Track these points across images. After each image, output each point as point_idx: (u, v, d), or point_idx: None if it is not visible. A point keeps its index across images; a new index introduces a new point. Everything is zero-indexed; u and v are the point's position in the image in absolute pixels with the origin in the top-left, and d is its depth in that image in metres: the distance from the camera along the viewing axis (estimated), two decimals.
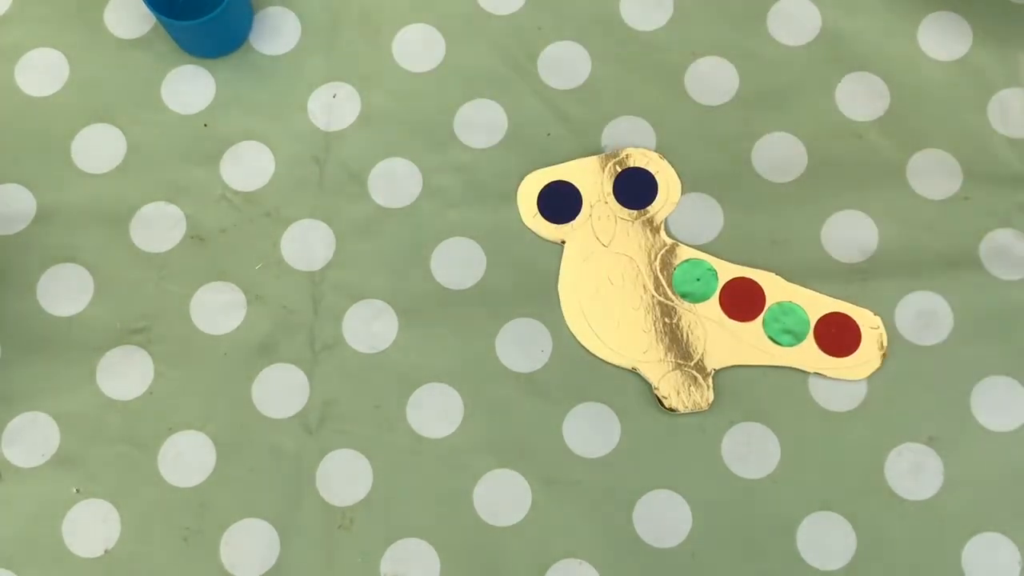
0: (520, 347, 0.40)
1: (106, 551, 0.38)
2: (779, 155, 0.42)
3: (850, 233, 0.41)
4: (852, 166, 0.42)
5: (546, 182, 0.41)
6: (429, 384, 0.40)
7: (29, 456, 0.39)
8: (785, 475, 0.38)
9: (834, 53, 0.43)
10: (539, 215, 0.41)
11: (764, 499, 0.38)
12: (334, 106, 0.43)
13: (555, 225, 0.41)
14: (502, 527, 0.38)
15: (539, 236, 0.41)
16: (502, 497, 0.39)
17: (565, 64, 0.43)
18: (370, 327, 0.40)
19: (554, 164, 0.42)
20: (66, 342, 0.40)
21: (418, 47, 0.43)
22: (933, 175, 0.41)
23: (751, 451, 0.39)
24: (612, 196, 0.41)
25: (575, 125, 0.42)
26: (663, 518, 0.38)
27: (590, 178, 0.41)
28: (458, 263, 0.41)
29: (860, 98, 0.42)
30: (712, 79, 0.43)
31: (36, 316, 0.40)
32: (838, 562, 0.38)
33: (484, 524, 0.38)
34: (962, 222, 0.41)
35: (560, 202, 0.41)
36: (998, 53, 0.43)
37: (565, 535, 0.38)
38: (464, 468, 0.39)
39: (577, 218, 0.41)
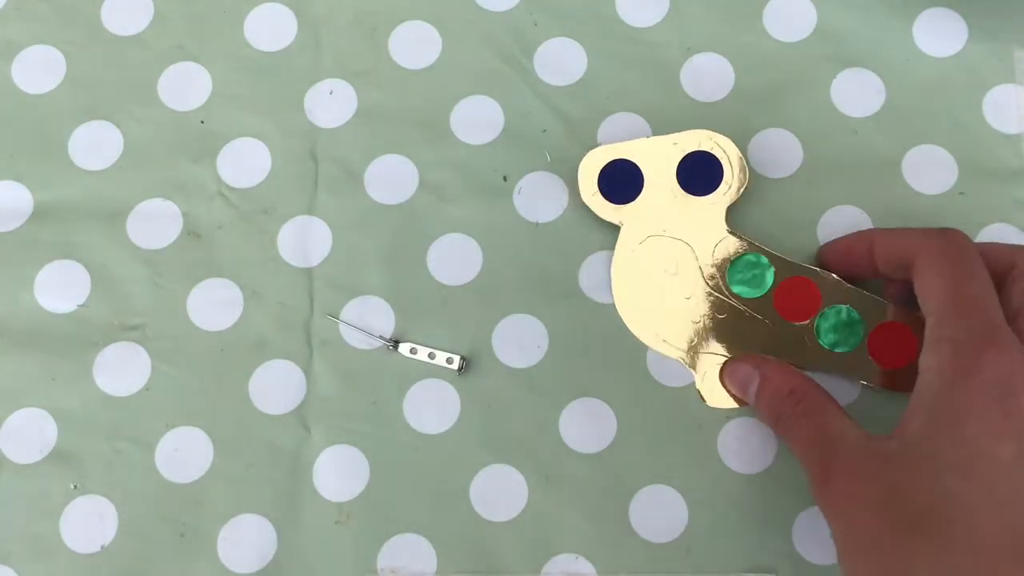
0: (516, 343, 0.40)
1: (103, 547, 0.38)
2: (775, 151, 0.42)
3: (846, 229, 0.41)
4: (848, 162, 0.42)
5: (609, 159, 0.41)
6: (425, 380, 0.40)
7: (26, 452, 0.39)
8: (781, 471, 0.39)
9: (830, 49, 0.43)
10: (598, 193, 0.40)
11: (761, 494, 0.38)
12: (330, 103, 0.43)
13: (614, 205, 0.40)
14: (499, 522, 0.38)
15: (596, 215, 0.40)
16: (499, 492, 0.39)
17: (561, 60, 0.43)
18: (367, 323, 0.40)
19: (550, 160, 0.42)
20: (63, 338, 0.40)
21: (414, 44, 0.44)
22: (929, 171, 0.41)
23: (747, 446, 0.39)
24: (676, 179, 0.40)
25: (571, 121, 0.42)
26: (659, 513, 0.38)
27: (655, 159, 0.40)
28: (454, 259, 0.41)
29: (856, 94, 0.42)
30: (708, 75, 0.43)
31: (33, 312, 0.41)
32: (834, 557, 0.38)
33: (481, 519, 0.38)
34: (958, 217, 0.41)
35: (621, 181, 0.40)
36: (993, 49, 0.43)
37: (562, 530, 0.38)
38: (461, 463, 0.39)
39: (637, 199, 0.40)
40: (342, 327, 0.40)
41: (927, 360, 0.33)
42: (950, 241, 0.35)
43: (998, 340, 0.32)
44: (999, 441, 0.31)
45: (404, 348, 0.39)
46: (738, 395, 0.39)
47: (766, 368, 0.38)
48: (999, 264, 0.35)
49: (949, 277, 0.34)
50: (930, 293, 0.34)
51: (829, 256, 0.40)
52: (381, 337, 0.39)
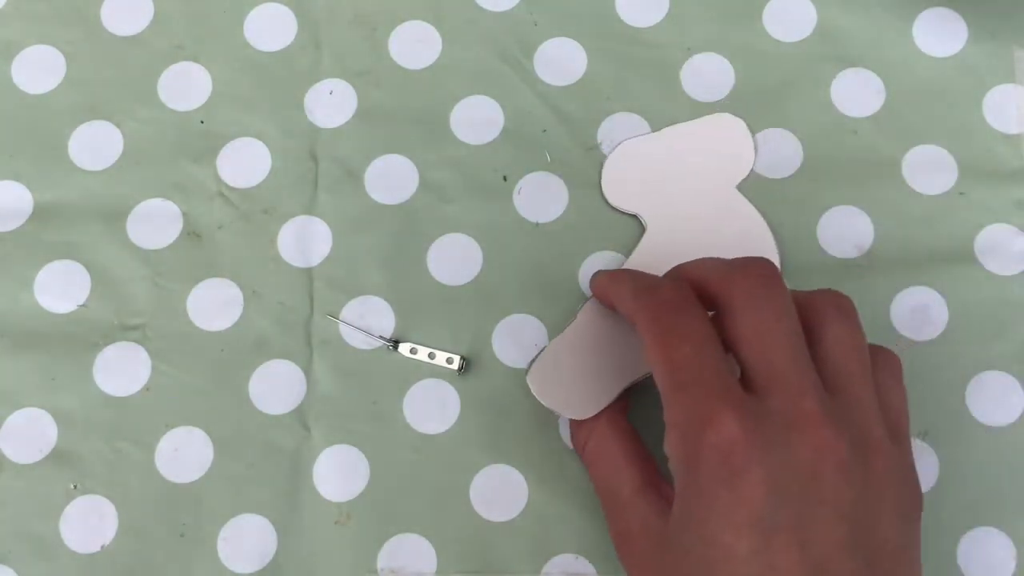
0: (515, 342, 0.40)
1: (103, 547, 0.38)
2: (775, 151, 0.42)
3: (846, 229, 0.41)
4: (848, 162, 0.42)
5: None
6: (425, 380, 0.40)
7: (26, 452, 0.39)
8: None
9: (830, 49, 0.43)
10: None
11: None
12: (330, 103, 0.43)
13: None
14: (499, 522, 0.38)
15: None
16: (498, 492, 0.39)
17: (561, 60, 0.43)
18: (367, 323, 0.40)
19: (550, 160, 0.42)
20: (63, 338, 0.40)
21: (414, 44, 0.44)
22: (929, 171, 0.41)
23: None
24: None
25: (571, 121, 0.42)
26: None
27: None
28: (454, 259, 0.41)
29: (856, 94, 0.42)
30: (708, 75, 0.43)
31: (33, 312, 0.41)
32: None
33: (481, 519, 0.38)
34: (958, 217, 0.41)
35: None
36: (993, 49, 0.43)
37: (562, 530, 0.38)
38: (461, 463, 0.39)
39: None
40: (342, 327, 0.40)
41: (666, 446, 0.30)
42: (659, 297, 0.32)
43: (715, 415, 0.29)
44: (737, 534, 0.28)
45: (404, 348, 0.39)
46: None
47: None
48: (805, 309, 0.32)
49: (657, 343, 0.31)
50: (654, 366, 0.31)
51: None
52: (381, 337, 0.39)
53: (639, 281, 0.33)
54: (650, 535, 0.32)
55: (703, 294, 0.32)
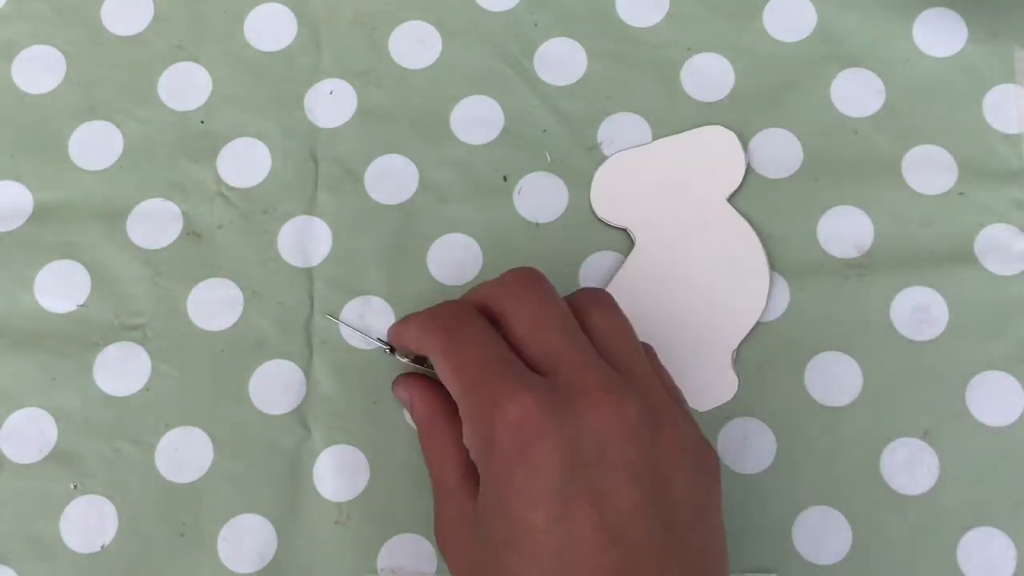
0: None
1: (103, 547, 0.38)
2: (775, 151, 0.42)
3: (846, 229, 0.41)
4: (848, 162, 0.42)
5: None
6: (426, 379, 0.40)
7: (26, 452, 0.39)
8: (781, 470, 0.39)
9: (830, 49, 0.43)
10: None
11: (760, 494, 0.38)
12: (330, 103, 0.43)
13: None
14: None
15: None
16: None
17: (561, 60, 0.43)
18: (367, 324, 0.40)
19: (550, 160, 0.42)
20: (63, 338, 0.40)
21: (414, 44, 0.44)
22: (929, 171, 0.41)
23: (747, 447, 0.39)
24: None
25: (571, 121, 0.42)
26: None
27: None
28: (454, 259, 0.41)
29: (856, 94, 0.42)
30: (708, 75, 0.43)
31: (33, 312, 0.41)
32: (834, 557, 0.38)
33: None
34: (958, 217, 0.41)
35: None
36: (993, 49, 0.43)
37: None
38: None
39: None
40: (341, 327, 0.40)
41: (465, 439, 0.31)
42: (440, 316, 0.33)
43: (503, 395, 0.30)
44: (535, 507, 0.29)
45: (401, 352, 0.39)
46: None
47: (414, 388, 0.37)
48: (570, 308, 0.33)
49: (444, 354, 0.32)
50: (446, 379, 0.32)
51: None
52: (379, 340, 0.39)
53: (422, 314, 0.35)
54: (465, 522, 0.32)
55: (486, 315, 0.33)
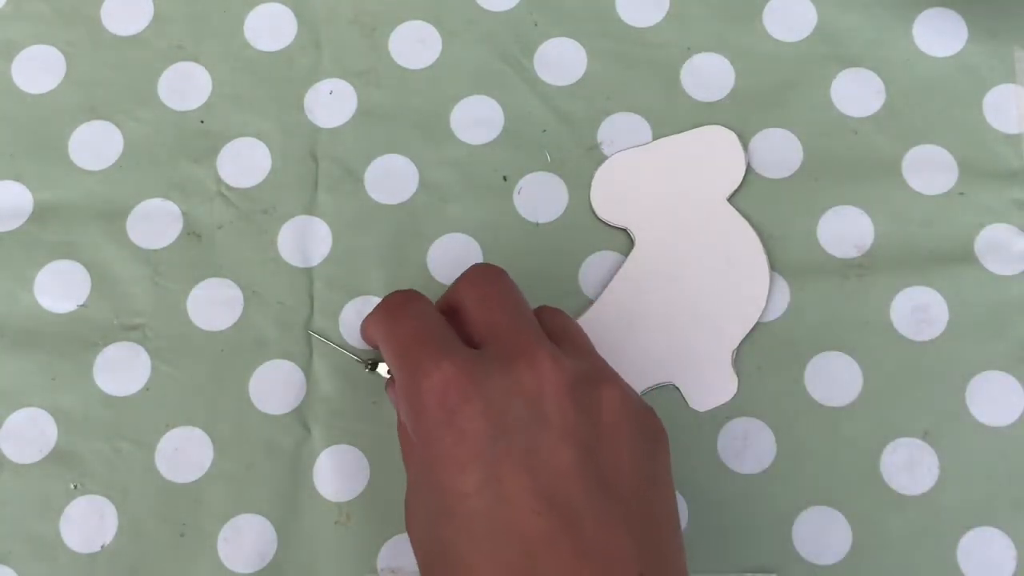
0: None
1: (103, 547, 0.38)
2: (775, 151, 0.42)
3: (846, 229, 0.41)
4: (848, 162, 0.42)
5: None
6: None
7: (26, 452, 0.39)
8: (781, 470, 0.39)
9: (830, 49, 0.43)
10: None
11: (760, 494, 0.38)
12: (330, 103, 0.43)
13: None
14: None
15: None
16: None
17: (561, 60, 0.43)
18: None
19: (550, 160, 0.42)
20: (63, 338, 0.40)
21: (414, 44, 0.44)
22: (929, 171, 0.41)
23: (747, 447, 0.39)
24: None
25: (571, 121, 0.42)
26: None
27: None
28: (454, 259, 0.41)
29: (856, 94, 0.42)
30: (708, 75, 0.43)
31: (33, 312, 0.41)
32: (834, 557, 0.38)
33: None
34: (958, 217, 0.41)
35: None
36: (993, 49, 0.43)
37: None
38: None
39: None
40: (341, 323, 0.40)
41: (400, 416, 0.31)
42: (389, 302, 0.33)
43: (430, 363, 0.29)
44: (462, 472, 0.28)
45: (382, 369, 0.38)
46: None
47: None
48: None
49: (386, 332, 0.32)
50: (384, 353, 0.32)
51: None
52: (358, 359, 0.39)
53: (378, 307, 0.34)
54: (409, 503, 0.31)
55: (448, 311, 0.33)
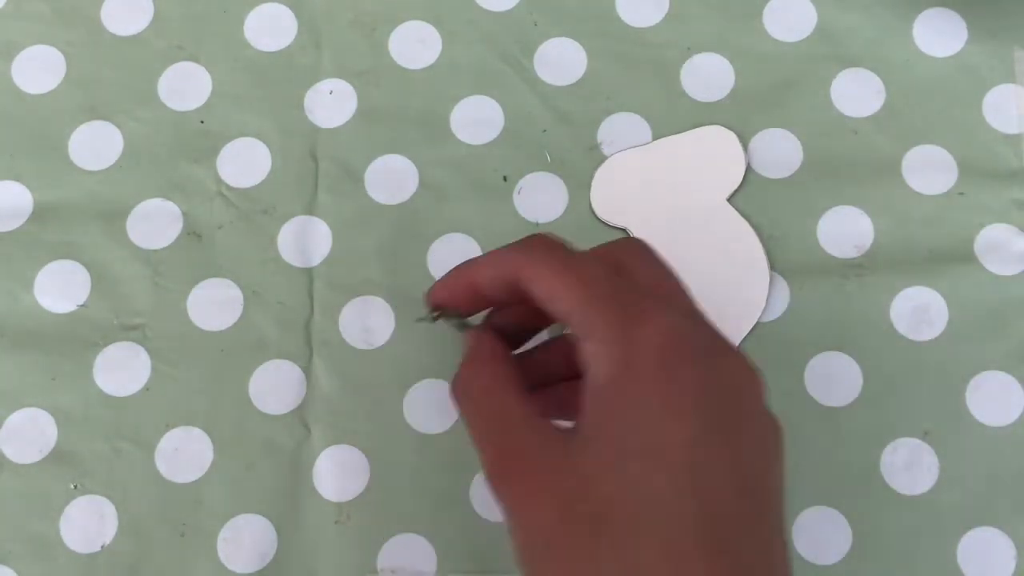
0: None
1: (103, 547, 0.38)
2: (775, 151, 0.42)
3: (846, 229, 0.41)
4: (848, 162, 0.42)
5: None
6: (425, 380, 0.40)
7: (26, 452, 0.39)
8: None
9: (830, 49, 0.43)
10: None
11: None
12: (330, 103, 0.43)
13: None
14: (499, 522, 0.38)
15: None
16: None
17: (561, 60, 0.43)
18: (367, 323, 0.40)
19: (550, 160, 0.42)
20: (63, 338, 0.40)
21: (414, 44, 0.44)
22: (929, 171, 0.41)
23: None
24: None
25: (571, 121, 0.42)
26: None
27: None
28: (454, 259, 0.41)
29: (856, 94, 0.42)
30: (708, 75, 0.43)
31: (33, 312, 0.41)
32: (833, 557, 0.38)
33: (481, 519, 0.38)
34: (958, 217, 0.41)
35: None
36: (993, 49, 0.43)
37: None
38: (461, 463, 0.39)
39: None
40: (341, 323, 0.40)
41: (589, 350, 0.29)
42: (543, 241, 0.31)
43: (648, 312, 0.28)
44: (679, 419, 0.27)
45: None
46: None
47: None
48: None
49: (572, 271, 0.30)
50: (557, 292, 0.29)
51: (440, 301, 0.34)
52: (420, 317, 0.35)
53: (499, 250, 0.32)
54: (552, 448, 0.29)
55: (508, 281, 0.31)
